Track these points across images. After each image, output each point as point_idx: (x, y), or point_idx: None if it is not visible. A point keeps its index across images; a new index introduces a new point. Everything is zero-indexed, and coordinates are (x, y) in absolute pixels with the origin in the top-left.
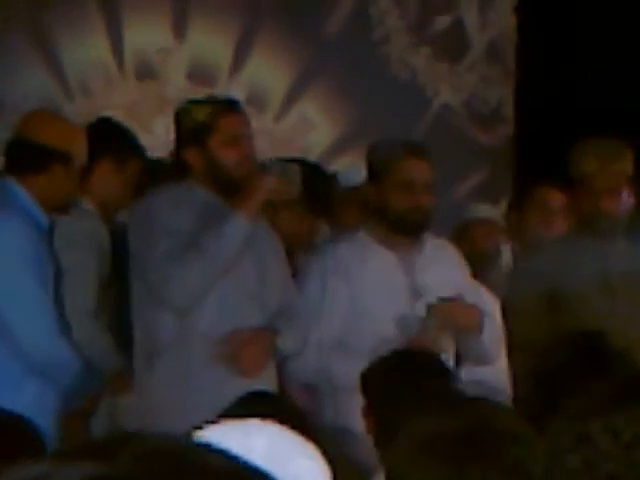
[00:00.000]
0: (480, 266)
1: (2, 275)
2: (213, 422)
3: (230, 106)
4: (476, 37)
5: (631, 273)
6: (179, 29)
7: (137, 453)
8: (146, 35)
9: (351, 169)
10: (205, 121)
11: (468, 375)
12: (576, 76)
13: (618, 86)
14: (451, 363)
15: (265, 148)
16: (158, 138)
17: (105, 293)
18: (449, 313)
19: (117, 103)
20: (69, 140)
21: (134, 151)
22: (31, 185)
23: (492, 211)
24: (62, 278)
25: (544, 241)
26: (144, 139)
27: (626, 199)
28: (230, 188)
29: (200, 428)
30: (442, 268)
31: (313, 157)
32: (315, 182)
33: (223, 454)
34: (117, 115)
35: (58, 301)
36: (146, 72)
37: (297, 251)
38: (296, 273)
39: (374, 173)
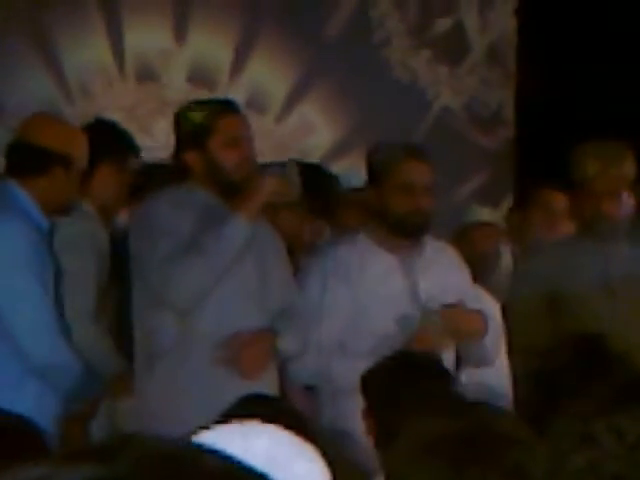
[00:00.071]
0: (480, 269)
1: (2, 277)
2: (212, 424)
3: (229, 108)
4: (476, 40)
5: (632, 276)
6: (180, 31)
7: (136, 456)
8: (147, 37)
9: (351, 171)
10: (204, 123)
11: (468, 377)
12: (577, 78)
13: (619, 88)
14: (451, 365)
15: (265, 150)
16: (158, 140)
17: (104, 295)
18: (454, 320)
19: (117, 105)
20: (69, 143)
21: (131, 152)
22: (32, 187)
23: (492, 214)
24: (62, 280)
25: (545, 244)
26: (144, 141)
27: (627, 202)
28: (230, 190)
29: (200, 431)
30: (442, 271)
31: (314, 159)
32: (317, 182)
33: (222, 456)
34: (117, 117)
35: (58, 303)
36: (146, 74)
37: (297, 252)
38: (296, 274)
39: (374, 175)
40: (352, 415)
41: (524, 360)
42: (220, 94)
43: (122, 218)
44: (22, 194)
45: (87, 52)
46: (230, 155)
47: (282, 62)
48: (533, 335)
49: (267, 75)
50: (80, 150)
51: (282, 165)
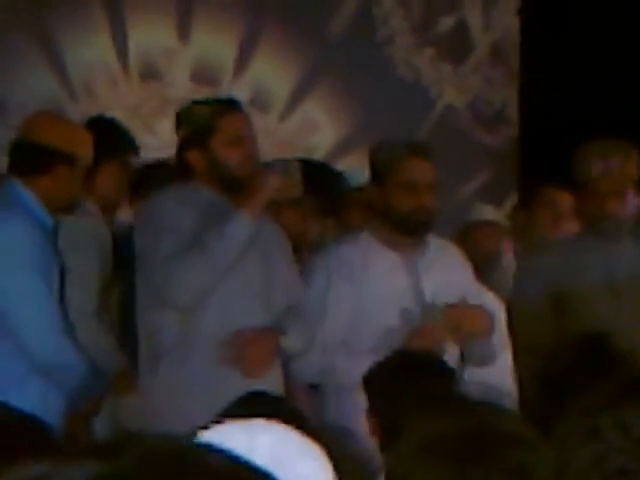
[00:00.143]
0: (483, 268)
1: (7, 275)
2: (216, 423)
3: (231, 106)
4: (480, 38)
5: (636, 275)
6: (183, 30)
7: (140, 454)
8: (150, 36)
9: (354, 170)
10: (206, 122)
11: (471, 376)
12: (580, 77)
13: (622, 87)
14: (455, 364)
15: (269, 149)
16: (162, 139)
17: (107, 293)
18: (457, 317)
19: (121, 104)
20: (73, 141)
21: (132, 150)
22: (35, 186)
23: (495, 213)
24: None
25: (549, 242)
26: (148, 140)
27: (631, 201)
28: (234, 188)
29: (203, 429)
30: (445, 269)
31: (317, 158)
32: (324, 180)
33: (225, 455)
34: (121, 116)
35: (63, 302)
36: (150, 73)
37: (302, 251)
38: (301, 273)
39: (377, 174)
40: (356, 413)
41: (529, 360)
42: (223, 92)
43: (124, 216)
44: (26, 193)
45: (90, 51)
46: (233, 154)
47: (285, 60)
48: (537, 334)
49: (270, 73)
50: (84, 148)
51: (284, 163)
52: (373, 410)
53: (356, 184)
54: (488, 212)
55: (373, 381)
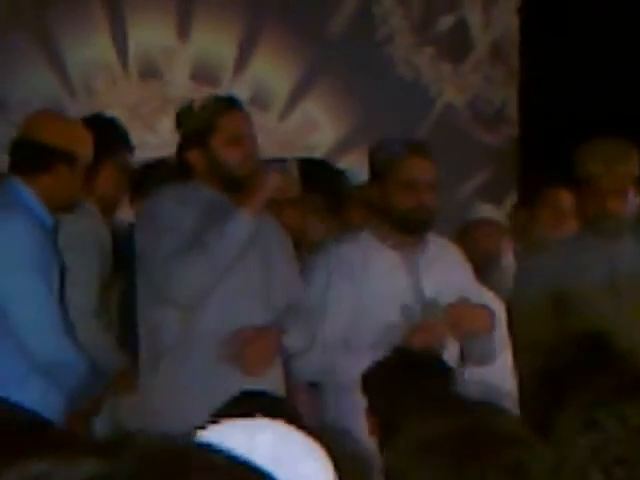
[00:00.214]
0: (482, 267)
1: (8, 274)
2: (215, 422)
3: (231, 105)
4: (480, 37)
5: (637, 274)
6: (183, 29)
7: (140, 453)
8: (150, 34)
9: (354, 168)
10: (206, 121)
11: (470, 375)
12: (580, 76)
13: (623, 86)
14: (455, 362)
15: (269, 147)
16: (162, 137)
17: (107, 293)
18: (458, 315)
19: (121, 102)
20: (73, 140)
21: (129, 148)
22: (36, 185)
23: (494, 212)
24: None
25: (550, 241)
26: (148, 138)
27: (632, 200)
28: (234, 186)
29: (203, 428)
30: (445, 267)
31: (317, 156)
32: (327, 178)
33: (225, 454)
34: (121, 115)
35: (63, 301)
36: (150, 71)
37: (302, 249)
38: (301, 271)
39: (377, 172)
40: (356, 412)
41: (529, 359)
42: (223, 91)
43: (123, 215)
44: (26, 191)
45: (90, 49)
46: (233, 153)
47: (285, 59)
48: (538, 333)
49: (270, 72)
50: (84, 147)
51: (282, 162)
52: (372, 409)
53: (356, 183)
54: (488, 211)
55: (372, 381)
